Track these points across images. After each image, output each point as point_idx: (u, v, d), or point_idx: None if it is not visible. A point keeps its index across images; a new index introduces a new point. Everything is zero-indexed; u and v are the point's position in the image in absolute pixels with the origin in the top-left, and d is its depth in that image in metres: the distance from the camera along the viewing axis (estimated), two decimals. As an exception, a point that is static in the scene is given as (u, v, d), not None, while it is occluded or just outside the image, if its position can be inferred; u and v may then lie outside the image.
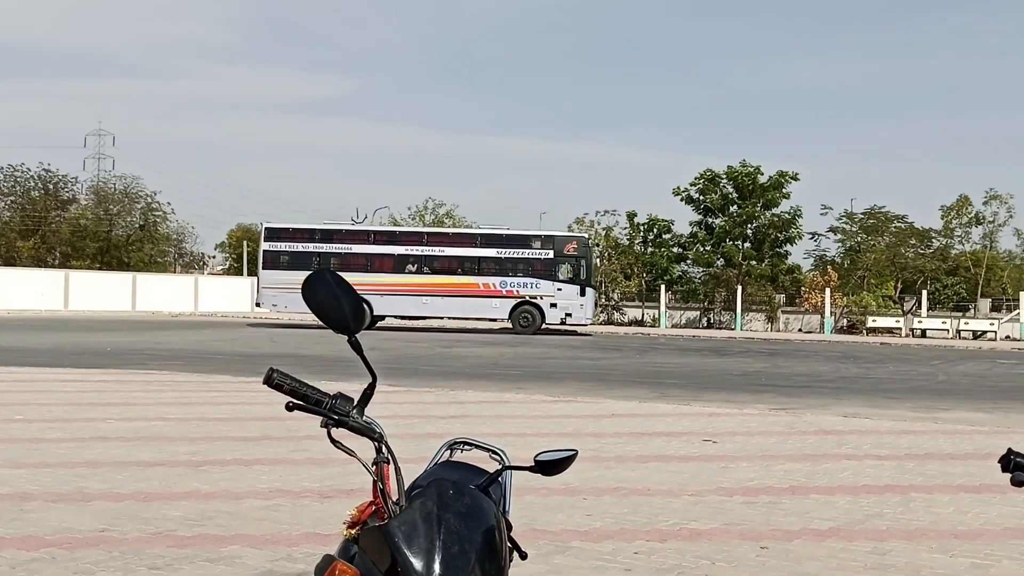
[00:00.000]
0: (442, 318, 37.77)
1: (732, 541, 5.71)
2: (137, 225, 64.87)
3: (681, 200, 50.42)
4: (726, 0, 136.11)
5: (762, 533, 5.91)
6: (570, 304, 34.89)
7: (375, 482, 2.03)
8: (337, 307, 2.19)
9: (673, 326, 43.94)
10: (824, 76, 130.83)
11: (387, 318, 36.36)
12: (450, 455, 2.81)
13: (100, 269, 57.21)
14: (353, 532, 2.08)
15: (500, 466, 2.53)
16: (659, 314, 44.39)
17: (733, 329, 41.79)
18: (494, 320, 36.33)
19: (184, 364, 18.26)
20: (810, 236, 51.89)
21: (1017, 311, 40.84)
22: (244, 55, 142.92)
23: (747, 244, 49.00)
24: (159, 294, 51.60)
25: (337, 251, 36.24)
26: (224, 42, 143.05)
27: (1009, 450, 1.61)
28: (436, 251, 35.94)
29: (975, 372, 20.89)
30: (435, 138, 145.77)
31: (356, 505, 2.20)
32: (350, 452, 2.08)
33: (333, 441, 2.13)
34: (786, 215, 48.63)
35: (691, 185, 50.08)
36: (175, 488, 6.88)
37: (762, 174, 48.90)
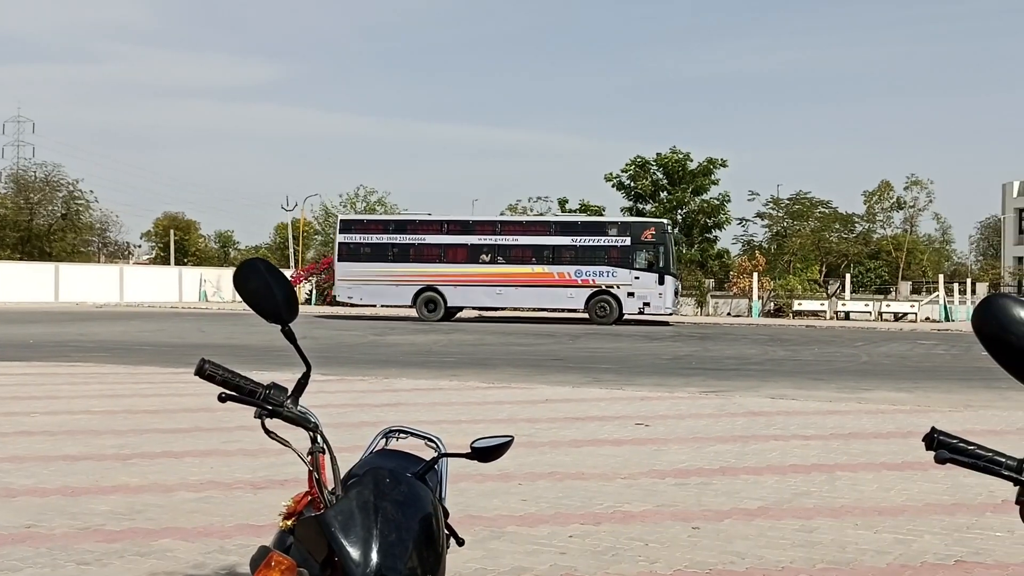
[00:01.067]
0: (517, 309, 36.80)
1: (664, 522, 5.80)
2: (59, 214, 63.25)
3: (612, 186, 50.88)
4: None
5: (694, 514, 6.02)
6: (648, 293, 33.37)
7: (311, 472, 2.03)
8: (270, 296, 2.17)
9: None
10: (752, 63, 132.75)
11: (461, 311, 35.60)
12: (386, 443, 2.81)
13: (21, 259, 55.67)
14: (289, 523, 2.07)
15: (436, 454, 2.55)
16: (591, 300, 44.67)
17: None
18: (574, 311, 35.10)
19: (110, 356, 17.89)
20: (738, 221, 52.79)
21: (936, 293, 42.00)
22: (171, 40, 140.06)
23: (677, 230, 49.61)
24: (83, 284, 50.40)
25: (411, 242, 35.04)
26: (150, 26, 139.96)
27: (933, 429, 1.67)
28: (510, 240, 34.76)
29: (896, 353, 21.46)
30: (367, 124, 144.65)
31: (292, 496, 2.19)
32: (284, 442, 2.07)
33: (267, 431, 2.12)
34: (715, 201, 49.34)
35: (622, 171, 50.53)
36: (103, 482, 6.76)
37: (691, 160, 49.55)
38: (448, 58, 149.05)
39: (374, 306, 38.28)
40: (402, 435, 2.81)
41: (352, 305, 38.13)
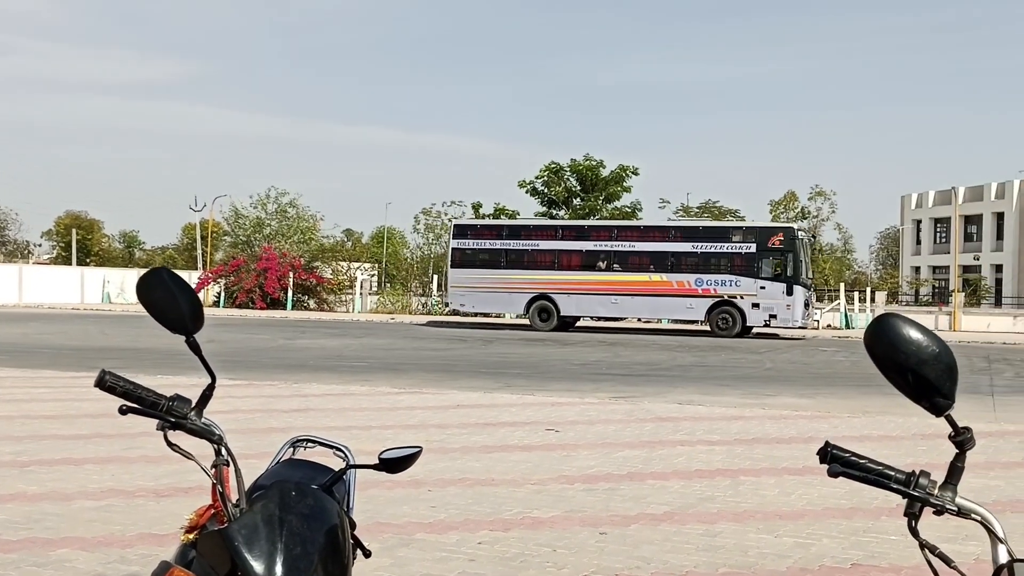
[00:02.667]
0: (633, 319, 35.13)
1: (573, 528, 5.87)
2: (-47, 211, 60.82)
3: (526, 192, 51.07)
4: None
5: (601, 519, 6.10)
6: (775, 304, 30.69)
7: (214, 485, 2.00)
8: (175, 307, 2.13)
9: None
10: (664, 72, 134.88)
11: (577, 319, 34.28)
12: (293, 453, 2.78)
13: (-89, 257, 53.37)
14: (191, 537, 2.05)
15: (344, 463, 2.54)
16: (504, 304, 44.79)
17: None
18: (694, 322, 33.22)
19: (8, 359, 17.27)
20: (650, 228, 53.42)
21: (837, 301, 43.22)
22: (75, 34, 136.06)
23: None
24: (-22, 284, 48.57)
25: (524, 248, 33.48)
26: (54, 19, 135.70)
27: (827, 442, 1.73)
28: (626, 246, 32.66)
29: (799, 360, 22.03)
30: (278, 125, 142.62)
31: (195, 509, 2.16)
32: (188, 455, 2.04)
33: (170, 444, 2.09)
34: (627, 208, 49.95)
35: (536, 178, 50.79)
36: (-2, 491, 6.54)
37: (604, 168, 50.07)
38: (362, 59, 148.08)
39: (487, 315, 37.20)
40: (310, 444, 2.78)
41: (465, 314, 36.81)
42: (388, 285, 52.27)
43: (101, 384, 2.08)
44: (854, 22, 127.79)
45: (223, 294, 46.63)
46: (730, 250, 31.51)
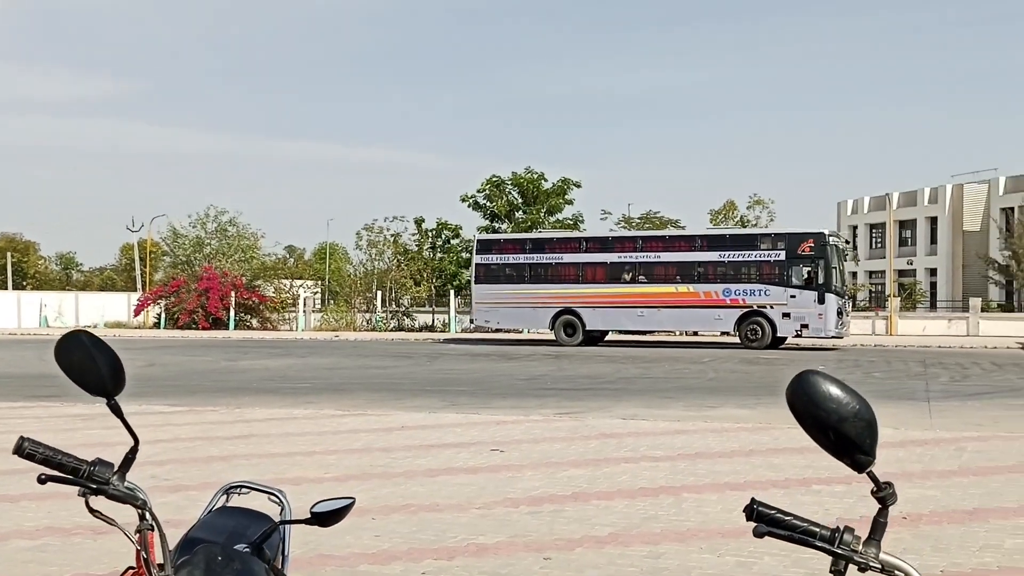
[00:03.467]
0: (660, 332, 34.46)
1: (517, 554, 5.86)
2: None
3: (468, 206, 51.11)
4: (510, 6, 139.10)
5: (546, 543, 6.11)
6: (806, 313, 29.64)
7: (138, 551, 1.97)
8: (94, 369, 2.10)
9: (463, 330, 44.38)
10: (604, 83, 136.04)
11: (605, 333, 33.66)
12: (226, 500, 2.75)
13: None
14: (117, 605, 2.01)
15: (279, 507, 2.51)
16: (449, 319, 44.74)
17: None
18: (726, 333, 32.25)
19: (-63, 390, 16.81)
20: (593, 240, 53.71)
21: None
22: (4, 50, 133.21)
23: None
24: (-93, 310, 47.22)
25: (548, 262, 33.04)
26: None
27: (753, 499, 1.75)
28: (651, 257, 31.93)
29: (741, 369, 22.29)
30: (216, 141, 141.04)
31: (120, 572, 2.13)
32: (110, 521, 2.01)
33: (92, 511, 2.05)
34: (569, 221, 50.20)
35: (478, 191, 50.85)
36: (-73, 534, 6.36)
37: (546, 180, 50.31)
38: (300, 74, 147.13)
39: (517, 331, 36.37)
40: (244, 490, 2.75)
41: (494, 330, 36.24)
42: (331, 302, 51.88)
43: (19, 451, 2.04)
44: (790, 29, 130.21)
45: (164, 315, 45.93)
46: (758, 258, 30.64)
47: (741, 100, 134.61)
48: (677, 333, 35.91)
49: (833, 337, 30.59)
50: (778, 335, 30.20)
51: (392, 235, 49.48)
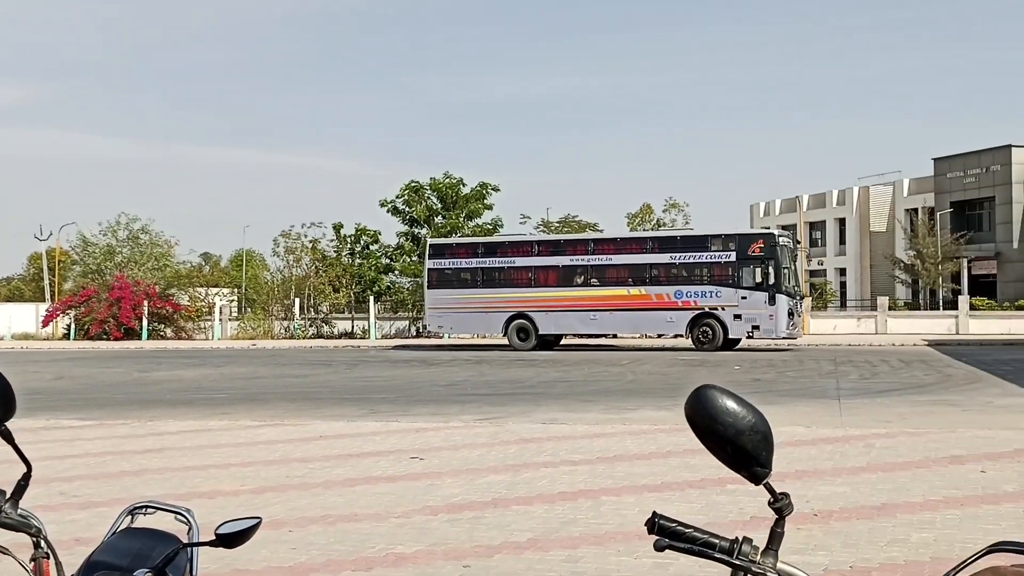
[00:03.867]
0: (613, 335, 33.98)
1: (436, 562, 5.84)
2: None
3: (387, 211, 50.77)
4: (427, 12, 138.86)
5: (465, 551, 6.09)
6: (757, 315, 29.41)
7: (34, 581, 1.91)
8: None
9: (383, 337, 44.09)
10: (520, 88, 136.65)
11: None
12: (131, 521, 2.68)
13: None
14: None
15: (187, 527, 2.46)
16: (369, 325, 44.39)
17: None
18: (680, 335, 31.71)
19: None
20: (512, 245, 53.85)
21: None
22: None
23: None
24: None
25: (500, 265, 32.65)
26: None
27: (654, 513, 1.77)
28: (603, 260, 31.62)
29: (658, 371, 22.56)
30: (126, 147, 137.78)
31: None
32: (4, 550, 1.94)
33: None
34: (488, 226, 50.22)
35: (397, 196, 50.54)
36: None
37: (465, 185, 50.25)
38: (213, 79, 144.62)
39: (469, 336, 35.66)
40: (149, 510, 2.69)
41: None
42: (248, 310, 51.05)
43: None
44: (701, 38, 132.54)
45: (74, 326, 44.65)
46: (709, 260, 30.45)
47: (654, 106, 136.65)
48: (640, 336, 35.80)
49: (785, 338, 30.50)
50: (730, 337, 30.07)
51: (310, 241, 48.93)
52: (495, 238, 37.71)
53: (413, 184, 50.38)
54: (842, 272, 66.94)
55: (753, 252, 29.85)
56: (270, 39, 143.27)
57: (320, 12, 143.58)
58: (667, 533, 1.76)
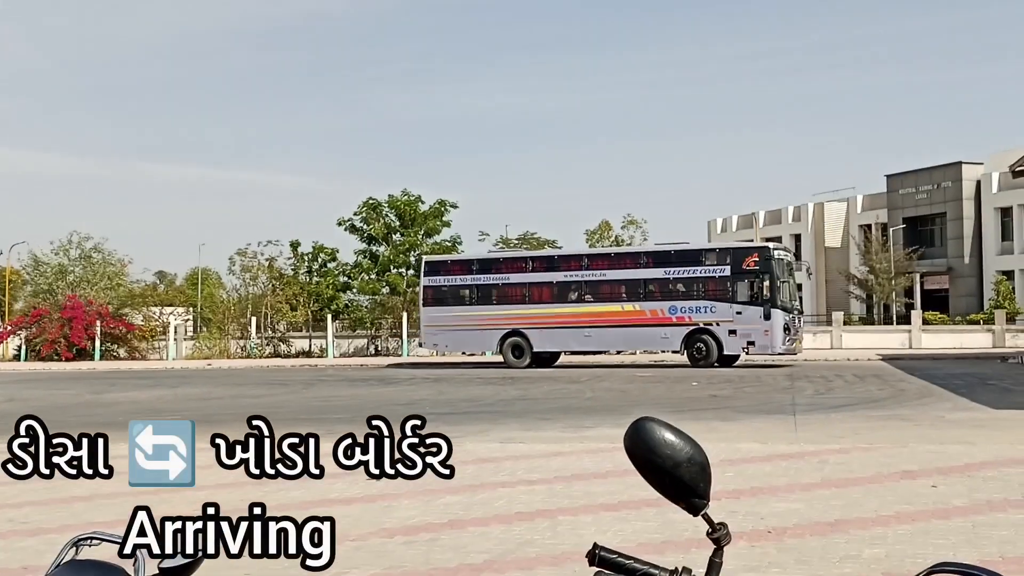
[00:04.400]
0: (607, 352, 33.48)
1: (391, 586, 5.80)
2: None
3: (345, 229, 50.59)
4: (381, 28, 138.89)
5: (421, 573, 6.07)
6: (752, 330, 28.85)
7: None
8: None
9: (341, 355, 43.84)
10: (479, 105, 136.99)
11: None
12: (76, 553, 2.64)
13: None
14: None
15: (133, 559, 2.43)
16: (327, 344, 44.13)
17: (401, 355, 42.43)
18: (677, 351, 30.72)
19: None
20: (471, 262, 53.84)
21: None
22: None
23: (411, 271, 50.08)
24: None
25: (495, 282, 32.33)
26: None
27: (595, 544, 1.78)
28: (597, 275, 31.26)
29: (617, 388, 22.64)
30: (78, 165, 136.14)
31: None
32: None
33: None
34: (447, 243, 50.22)
35: (355, 214, 50.40)
36: None
37: (423, 203, 50.25)
38: (167, 96, 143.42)
39: (463, 353, 35.37)
40: (95, 541, 2.65)
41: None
42: (204, 329, 50.54)
43: None
44: (655, 56, 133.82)
45: (25, 347, 43.89)
46: (704, 274, 29.98)
47: (610, 124, 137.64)
48: (636, 353, 35.57)
49: (781, 354, 29.95)
50: (725, 353, 29.52)
51: (267, 259, 48.60)
52: (489, 255, 37.67)
53: (371, 202, 50.29)
54: (798, 287, 67.71)
55: (748, 266, 29.46)
56: (225, 55, 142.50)
57: (273, 29, 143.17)
58: (608, 565, 1.77)
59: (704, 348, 29.60)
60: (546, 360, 32.51)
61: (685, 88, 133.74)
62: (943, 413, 15.50)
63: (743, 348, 29.41)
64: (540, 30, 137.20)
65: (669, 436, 1.72)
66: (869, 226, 61.46)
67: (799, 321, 31.37)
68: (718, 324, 29.47)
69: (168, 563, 2.24)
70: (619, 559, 1.77)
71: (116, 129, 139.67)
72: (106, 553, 2.66)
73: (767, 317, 28.85)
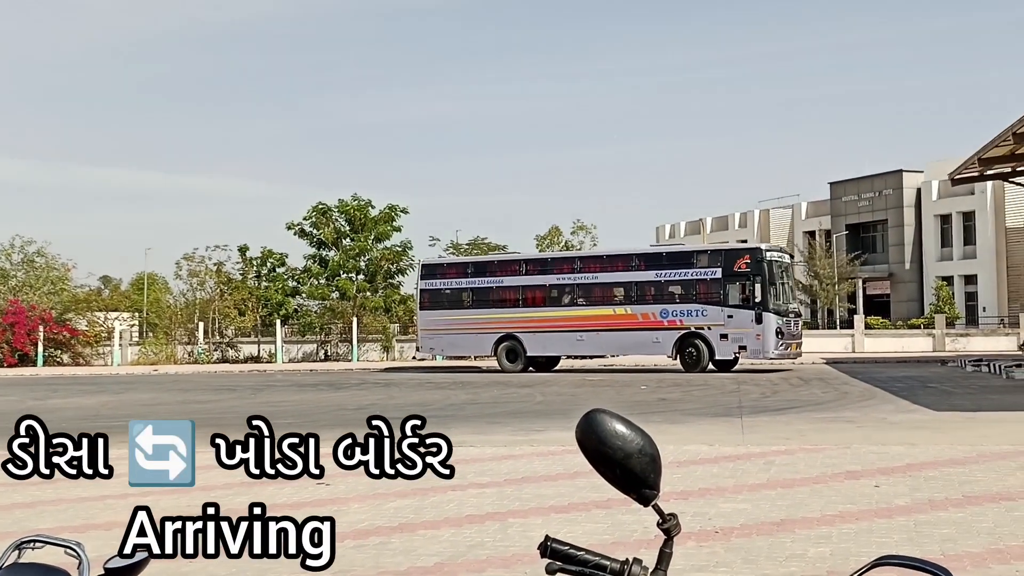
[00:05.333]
0: (599, 357, 32.36)
1: (341, 590, 5.77)
2: None
3: (294, 234, 50.19)
4: (330, 33, 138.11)
5: (371, 577, 6.04)
6: (743, 334, 27.96)
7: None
8: None
9: (291, 360, 43.44)
10: (429, 110, 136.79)
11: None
12: (18, 556, 2.60)
13: None
14: None
15: (77, 560, 2.40)
16: (276, 349, 43.70)
17: (351, 361, 42.17)
18: (670, 356, 29.62)
19: None
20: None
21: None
22: None
23: (361, 276, 49.79)
24: None
25: (489, 285, 31.76)
26: None
27: (547, 536, 1.80)
28: (589, 278, 30.56)
29: (567, 392, 22.73)
30: (20, 169, 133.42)
31: None
32: None
33: None
34: (397, 248, 50.02)
35: (304, 219, 50.00)
36: None
37: (373, 207, 49.98)
38: (112, 99, 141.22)
39: (462, 358, 34.70)
40: (37, 544, 2.61)
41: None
42: (150, 335, 49.77)
43: None
44: (605, 63, 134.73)
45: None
46: (695, 277, 29.11)
47: (559, 130, 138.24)
48: (640, 357, 34.51)
49: (775, 359, 28.78)
50: (716, 357, 28.72)
51: (215, 264, 48.00)
52: (485, 257, 37.35)
53: (320, 206, 49.94)
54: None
55: (739, 268, 28.57)
56: (170, 59, 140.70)
57: (221, 32, 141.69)
58: (559, 556, 1.79)
59: (695, 353, 28.81)
60: (543, 365, 31.89)
61: (634, 96, 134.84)
62: (885, 415, 15.78)
63: (735, 353, 28.58)
64: (490, 37, 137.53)
65: (620, 427, 1.74)
66: (813, 232, 62.45)
67: (796, 325, 30.18)
68: (709, 328, 28.63)
69: (113, 563, 2.21)
70: (570, 550, 1.79)
71: (59, 132, 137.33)
72: (49, 555, 2.63)
73: (758, 321, 27.98)
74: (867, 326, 43.92)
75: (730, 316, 28.31)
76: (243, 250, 50.25)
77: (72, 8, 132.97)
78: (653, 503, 1.78)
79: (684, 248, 32.13)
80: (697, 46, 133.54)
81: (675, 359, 29.43)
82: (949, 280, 55.83)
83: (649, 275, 29.88)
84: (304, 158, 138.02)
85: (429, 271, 33.89)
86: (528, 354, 31.13)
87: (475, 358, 35.38)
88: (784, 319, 28.71)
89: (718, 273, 28.75)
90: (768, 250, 29.57)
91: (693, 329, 28.80)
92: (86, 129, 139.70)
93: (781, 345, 28.32)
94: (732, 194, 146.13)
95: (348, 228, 49.90)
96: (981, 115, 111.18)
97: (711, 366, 28.96)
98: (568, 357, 32.56)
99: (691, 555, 6.32)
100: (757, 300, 28.12)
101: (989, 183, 46.93)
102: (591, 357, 32.48)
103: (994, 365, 26.87)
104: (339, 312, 46.92)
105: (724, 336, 28.42)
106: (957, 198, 55.25)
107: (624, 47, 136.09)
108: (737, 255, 29.21)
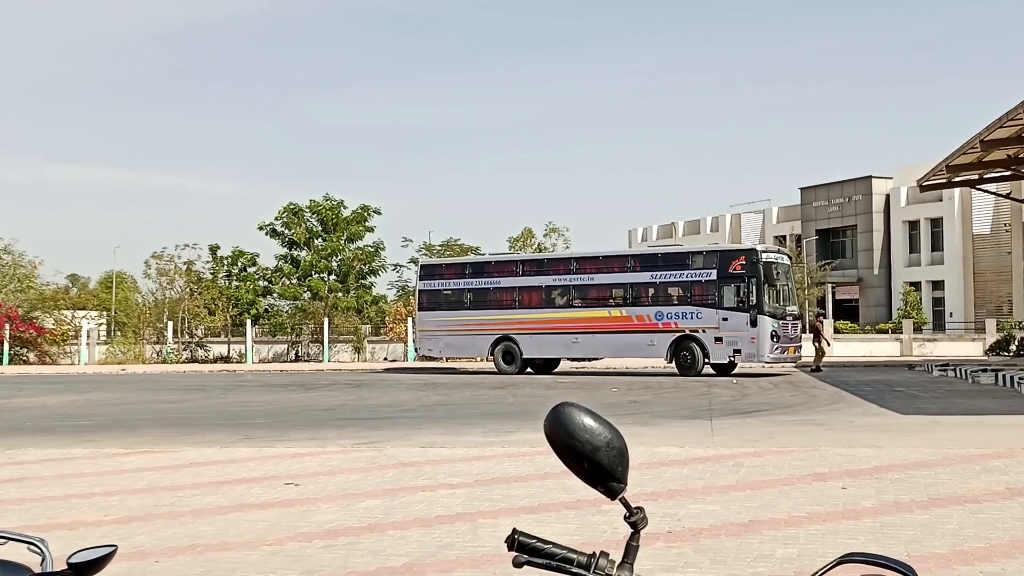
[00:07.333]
0: (595, 359, 31.59)
1: (309, 590, 5.74)
2: None
3: (266, 234, 49.89)
4: (303, 33, 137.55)
5: (338, 578, 6.01)
6: (738, 337, 27.21)
7: None
8: None
9: (261, 361, 43.15)
10: (400, 112, 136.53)
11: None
12: (-21, 553, 2.56)
13: None
14: None
15: (40, 557, 2.37)
16: (246, 349, 43.37)
17: (321, 361, 41.96)
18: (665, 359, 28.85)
19: None
20: (393, 267, 53.58)
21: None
22: None
23: (333, 277, 49.57)
24: None
25: (487, 286, 31.24)
26: None
27: (514, 530, 1.79)
28: (584, 279, 29.85)
29: (539, 393, 22.74)
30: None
31: None
32: None
33: None
34: (369, 248, 49.86)
35: (276, 219, 49.72)
36: None
37: (345, 208, 49.79)
38: (81, 96, 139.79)
39: (446, 359, 34.21)
40: (0, 541, 2.57)
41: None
42: (119, 334, 49.27)
43: None
44: (578, 67, 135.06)
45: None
46: (690, 278, 28.36)
47: (533, 133, 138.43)
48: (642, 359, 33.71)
49: (770, 363, 28.16)
50: (711, 361, 27.95)
51: (184, 263, 47.59)
52: (482, 257, 36.81)
53: (292, 206, 49.70)
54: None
55: (734, 269, 27.76)
56: (140, 56, 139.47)
57: (192, 31, 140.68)
58: (526, 549, 1.79)
59: (690, 356, 28.13)
60: (541, 367, 31.25)
61: (606, 100, 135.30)
62: (853, 418, 15.91)
63: (729, 356, 27.80)
64: (464, 40, 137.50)
65: (588, 421, 1.74)
66: (784, 237, 62.82)
67: (794, 328, 29.22)
68: (704, 331, 27.92)
69: (78, 556, 2.18)
70: (537, 543, 1.79)
71: (27, 129, 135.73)
72: (12, 552, 2.59)
73: (753, 324, 27.20)
74: (836, 331, 44.25)
75: (725, 319, 27.65)
76: (214, 249, 49.91)
77: (40, 5, 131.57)
78: (620, 496, 1.79)
79: (680, 249, 31.60)
80: (670, 51, 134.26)
81: (670, 362, 28.80)
82: (917, 286, 56.38)
83: (644, 276, 29.37)
84: (276, 158, 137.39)
85: (428, 271, 33.47)
86: (524, 356, 30.66)
87: (481, 359, 34.86)
88: (780, 322, 27.95)
89: (713, 275, 28.04)
90: (764, 251, 28.98)
91: (688, 332, 28.19)
92: (54, 125, 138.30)
93: (777, 349, 27.71)
94: (704, 198, 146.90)
95: (320, 228, 49.69)
96: (949, 123, 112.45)
97: (709, 369, 28.42)
98: (571, 360, 32.07)
99: (660, 556, 6.34)
100: (752, 302, 27.39)
101: (957, 190, 47.44)
102: (586, 360, 31.96)
103: (960, 370, 27.17)
104: (311, 312, 46.68)
105: (719, 339, 27.74)
106: (925, 204, 55.81)
107: (596, 51, 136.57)
108: (732, 256, 28.51)
